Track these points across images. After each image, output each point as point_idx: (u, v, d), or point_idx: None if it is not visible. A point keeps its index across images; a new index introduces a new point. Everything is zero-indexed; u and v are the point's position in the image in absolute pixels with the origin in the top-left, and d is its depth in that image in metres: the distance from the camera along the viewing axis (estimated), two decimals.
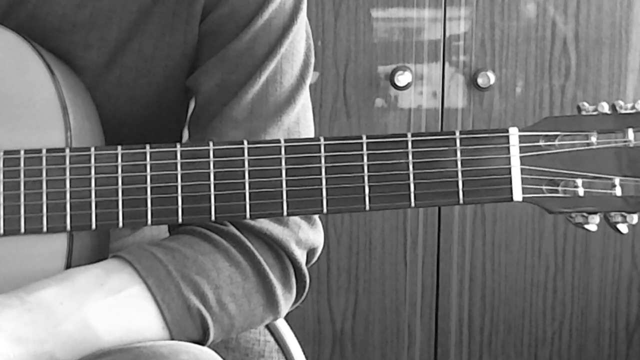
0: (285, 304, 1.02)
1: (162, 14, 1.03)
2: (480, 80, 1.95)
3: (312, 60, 1.06)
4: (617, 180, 0.92)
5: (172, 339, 0.95)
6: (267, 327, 1.24)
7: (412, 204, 0.92)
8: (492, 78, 1.95)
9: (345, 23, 1.95)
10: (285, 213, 0.93)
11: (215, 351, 0.99)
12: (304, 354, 1.25)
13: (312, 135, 1.04)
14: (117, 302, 0.94)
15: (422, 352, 2.07)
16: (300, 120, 1.04)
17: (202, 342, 0.97)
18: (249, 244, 0.98)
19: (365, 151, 0.93)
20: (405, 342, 2.07)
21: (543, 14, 1.96)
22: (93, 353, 0.93)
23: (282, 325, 1.24)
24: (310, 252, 1.04)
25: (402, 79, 1.94)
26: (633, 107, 0.92)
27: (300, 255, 1.02)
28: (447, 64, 1.97)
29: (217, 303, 0.96)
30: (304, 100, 1.05)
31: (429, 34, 1.96)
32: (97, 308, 0.93)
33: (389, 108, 1.99)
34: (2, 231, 0.94)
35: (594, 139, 0.93)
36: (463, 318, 2.06)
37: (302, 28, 1.05)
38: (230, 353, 1.22)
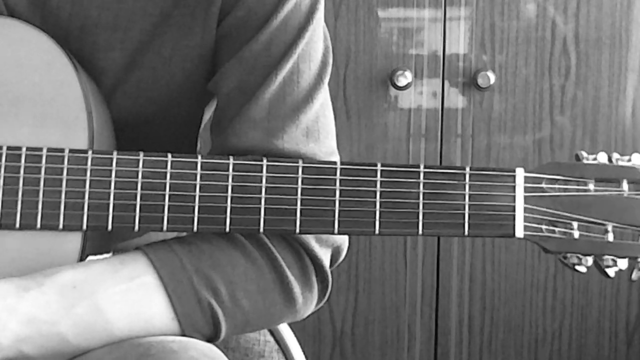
0: (305, 302, 1.03)
1: (181, 17, 1.04)
2: (480, 80, 1.95)
3: (331, 60, 1.07)
4: (610, 227, 0.97)
5: (182, 330, 0.97)
6: None
7: (420, 232, 0.96)
8: (492, 78, 1.95)
9: (345, 23, 1.95)
10: (297, 230, 0.96)
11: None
12: (304, 354, 1.25)
13: (332, 134, 1.07)
14: (129, 289, 0.95)
15: (422, 352, 2.07)
16: (319, 119, 1.05)
17: (214, 336, 0.98)
18: (267, 241, 1.00)
19: (379, 178, 0.96)
20: (405, 342, 2.07)
21: (543, 14, 1.96)
22: (106, 343, 0.95)
23: (282, 325, 1.24)
24: (335, 251, 1.05)
25: (402, 79, 1.94)
26: (629, 160, 0.98)
27: (323, 254, 1.02)
28: (447, 65, 1.97)
29: (229, 298, 0.97)
30: (323, 99, 1.06)
31: (429, 34, 1.96)
32: (109, 294, 0.95)
33: (389, 108, 1.99)
34: (18, 225, 0.95)
35: (591, 186, 0.97)
36: (463, 318, 2.06)
37: (319, 29, 1.06)
38: (230, 353, 1.22)
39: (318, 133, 1.04)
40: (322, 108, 1.05)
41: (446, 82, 1.97)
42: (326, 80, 1.06)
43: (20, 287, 0.93)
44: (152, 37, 1.04)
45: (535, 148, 2.00)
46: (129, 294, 0.95)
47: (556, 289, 2.05)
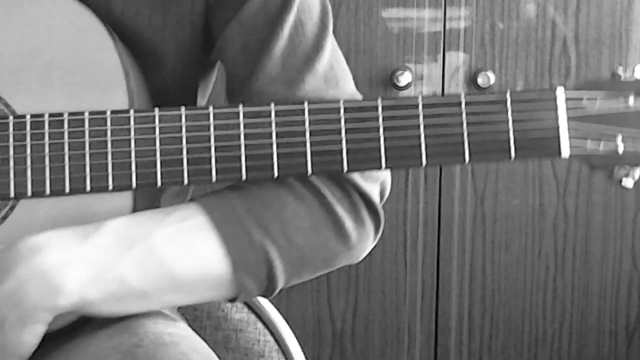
0: (359, 239, 1.04)
1: None
2: (480, 80, 1.95)
3: (330, 8, 1.08)
4: None
5: (235, 271, 0.98)
6: (267, 327, 1.24)
7: (466, 161, 0.96)
8: (492, 78, 1.95)
9: (345, 23, 1.95)
10: (345, 169, 0.96)
11: (215, 351, 0.99)
12: (304, 354, 1.25)
13: (349, 78, 1.07)
14: (182, 230, 0.98)
15: (422, 352, 2.07)
16: (333, 65, 1.06)
17: (269, 279, 0.99)
18: (314, 179, 1.01)
19: (420, 111, 0.96)
20: (405, 342, 2.07)
21: (543, 14, 1.96)
22: (167, 286, 0.97)
23: (282, 325, 1.24)
24: (382, 186, 1.06)
25: (402, 79, 1.94)
26: None
27: (370, 189, 1.03)
28: (447, 64, 1.97)
29: (282, 236, 0.99)
30: (332, 45, 1.07)
31: (429, 34, 1.96)
32: (161, 235, 0.97)
33: None
34: (67, 190, 0.96)
35: (632, 100, 0.97)
36: (463, 318, 2.06)
37: None
38: (230, 353, 1.22)
39: (336, 79, 1.05)
40: (333, 54, 1.06)
41: (446, 82, 1.97)
42: (330, 27, 1.07)
43: (80, 233, 0.96)
44: (139, 7, 1.04)
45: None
46: (181, 234, 0.97)
47: (556, 289, 2.05)
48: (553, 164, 1.99)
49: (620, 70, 0.99)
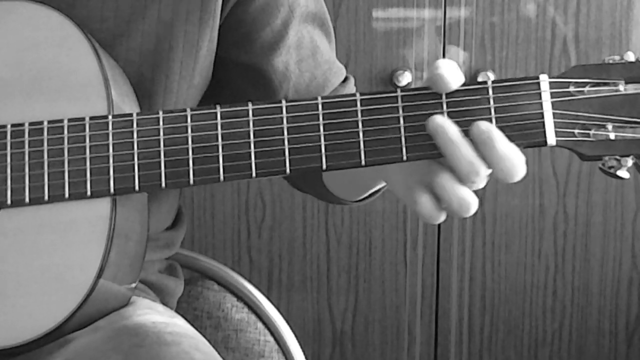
0: None
1: None
2: (480, 80, 1.95)
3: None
4: None
5: None
6: (267, 327, 1.24)
7: None
8: (492, 78, 1.95)
9: (345, 23, 1.94)
10: (324, 167, 0.95)
11: (216, 351, 0.99)
12: (304, 354, 1.25)
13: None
14: None
15: (422, 352, 2.07)
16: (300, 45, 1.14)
17: None
18: None
19: (400, 103, 0.95)
20: (405, 342, 2.07)
21: (543, 14, 1.96)
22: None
23: (282, 325, 1.24)
24: None
25: (402, 79, 1.94)
26: None
27: None
28: None
29: None
30: (295, 32, 1.14)
31: (429, 34, 1.96)
32: None
33: None
34: (46, 198, 0.96)
35: (621, 87, 0.94)
36: (463, 318, 2.06)
37: None
38: (230, 353, 1.22)
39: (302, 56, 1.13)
40: (297, 41, 1.16)
41: None
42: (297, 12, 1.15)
43: None
44: (147, 2, 1.05)
45: (536, 148, 2.00)
46: None
47: (556, 289, 2.05)
48: (553, 163, 1.99)
49: (609, 57, 0.95)
